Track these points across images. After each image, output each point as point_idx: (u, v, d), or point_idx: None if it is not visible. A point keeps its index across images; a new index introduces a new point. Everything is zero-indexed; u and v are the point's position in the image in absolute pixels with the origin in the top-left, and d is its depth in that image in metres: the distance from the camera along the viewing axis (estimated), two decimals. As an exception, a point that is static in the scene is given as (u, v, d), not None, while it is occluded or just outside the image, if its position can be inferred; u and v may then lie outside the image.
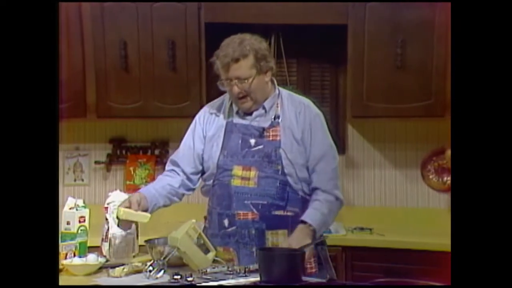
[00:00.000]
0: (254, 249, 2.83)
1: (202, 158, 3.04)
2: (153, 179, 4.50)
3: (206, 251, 2.82)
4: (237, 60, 2.87)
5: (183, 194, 3.10)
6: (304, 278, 2.58)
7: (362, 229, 4.13)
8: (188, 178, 3.07)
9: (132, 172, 4.52)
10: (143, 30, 4.18)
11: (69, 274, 2.74)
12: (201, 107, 4.21)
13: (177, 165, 3.08)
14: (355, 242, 3.95)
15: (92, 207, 3.07)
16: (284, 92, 3.05)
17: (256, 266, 2.64)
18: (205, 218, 3.15)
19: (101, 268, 2.78)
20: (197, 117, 3.15)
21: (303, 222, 2.86)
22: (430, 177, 4.44)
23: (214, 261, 2.84)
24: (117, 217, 2.85)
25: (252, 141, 2.94)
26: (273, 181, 2.89)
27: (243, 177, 2.90)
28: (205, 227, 3.10)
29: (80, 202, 3.00)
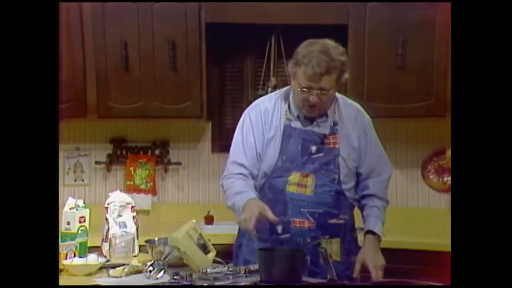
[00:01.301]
0: (307, 258, 2.76)
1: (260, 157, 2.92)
2: (153, 179, 4.52)
3: (206, 251, 2.82)
4: (329, 72, 2.75)
5: None
6: (304, 278, 2.58)
7: (362, 229, 4.12)
8: (255, 180, 2.92)
9: (133, 172, 4.52)
10: (144, 30, 4.18)
11: (69, 274, 2.74)
12: (202, 107, 4.26)
13: (245, 168, 2.90)
14: (356, 242, 3.94)
15: (93, 207, 3.07)
16: (339, 96, 2.98)
17: (256, 266, 2.64)
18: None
19: (101, 268, 2.78)
20: (253, 115, 2.95)
21: (372, 232, 2.89)
22: (431, 177, 4.44)
23: (215, 261, 2.85)
24: None
25: (313, 148, 2.87)
26: (329, 189, 2.86)
27: (299, 183, 2.84)
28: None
29: (80, 202, 3.01)
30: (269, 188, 2.88)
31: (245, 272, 2.67)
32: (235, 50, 4.60)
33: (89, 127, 4.56)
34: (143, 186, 4.51)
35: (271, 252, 2.64)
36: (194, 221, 2.80)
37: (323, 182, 2.85)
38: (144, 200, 4.49)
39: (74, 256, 2.88)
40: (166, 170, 4.57)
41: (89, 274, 2.73)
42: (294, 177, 2.85)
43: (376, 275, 2.78)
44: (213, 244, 2.89)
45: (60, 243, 2.86)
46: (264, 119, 2.92)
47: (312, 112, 2.87)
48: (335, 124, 2.91)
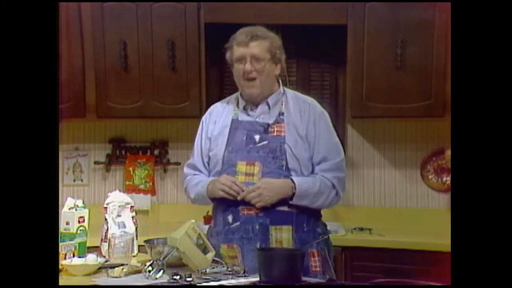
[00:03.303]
0: (258, 245, 2.85)
1: (209, 157, 3.06)
2: (152, 179, 4.52)
3: (206, 251, 2.82)
4: (256, 38, 2.94)
5: None
6: (304, 278, 2.58)
7: (361, 229, 4.13)
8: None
9: (132, 173, 4.52)
10: (143, 30, 4.18)
11: (68, 274, 2.73)
12: (201, 107, 4.26)
13: (196, 169, 3.12)
14: (355, 242, 3.95)
15: (92, 207, 3.06)
16: (289, 91, 3.10)
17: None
18: (211, 216, 3.16)
19: (100, 268, 2.78)
20: (203, 118, 3.19)
21: (292, 180, 2.90)
22: (430, 177, 4.44)
23: (214, 261, 2.84)
24: None
25: (257, 137, 2.95)
26: (277, 176, 2.90)
27: (247, 172, 2.92)
28: (210, 226, 3.12)
29: (79, 203, 3.00)
30: None
31: (244, 272, 2.67)
32: (234, 50, 4.58)
33: (88, 127, 4.56)
34: (142, 186, 4.51)
35: (271, 252, 2.64)
36: (193, 221, 2.80)
37: (270, 170, 2.91)
38: (143, 200, 4.49)
39: (73, 256, 2.87)
40: (165, 170, 4.58)
41: (88, 274, 2.73)
42: (241, 166, 2.93)
43: (248, 192, 2.84)
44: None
45: (59, 243, 2.85)
46: (209, 120, 3.11)
47: (252, 88, 2.96)
48: (280, 114, 2.99)
